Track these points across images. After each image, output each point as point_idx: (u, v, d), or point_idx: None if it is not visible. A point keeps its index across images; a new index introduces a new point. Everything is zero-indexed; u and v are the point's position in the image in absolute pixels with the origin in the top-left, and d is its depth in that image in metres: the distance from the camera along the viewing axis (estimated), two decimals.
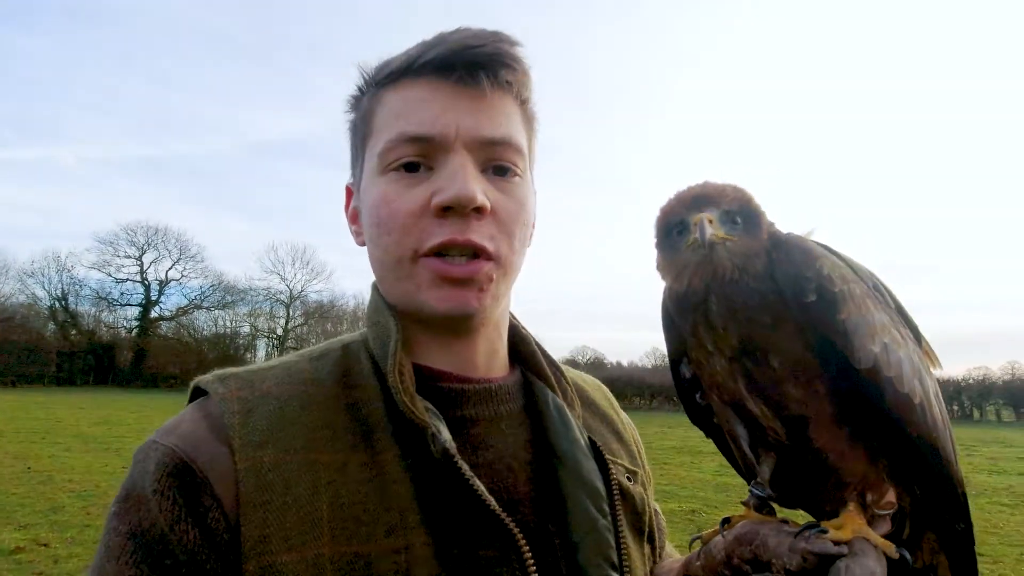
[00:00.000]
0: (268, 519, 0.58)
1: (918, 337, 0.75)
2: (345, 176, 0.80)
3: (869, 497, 0.67)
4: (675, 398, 0.79)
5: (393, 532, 0.60)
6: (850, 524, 0.64)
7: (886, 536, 0.65)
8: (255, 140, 73.33)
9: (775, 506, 0.73)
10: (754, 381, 0.68)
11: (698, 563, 0.72)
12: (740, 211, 0.70)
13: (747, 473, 0.77)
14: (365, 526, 0.60)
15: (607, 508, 0.71)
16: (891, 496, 0.68)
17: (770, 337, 0.66)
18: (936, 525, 0.72)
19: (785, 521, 0.67)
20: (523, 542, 0.63)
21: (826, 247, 0.71)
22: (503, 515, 0.62)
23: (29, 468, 8.60)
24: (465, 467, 0.63)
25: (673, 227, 0.71)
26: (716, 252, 0.67)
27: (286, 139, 73.70)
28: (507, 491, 0.68)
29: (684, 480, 9.17)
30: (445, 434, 0.64)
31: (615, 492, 0.73)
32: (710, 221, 0.68)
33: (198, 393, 0.68)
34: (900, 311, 0.74)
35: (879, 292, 0.72)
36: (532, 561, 0.63)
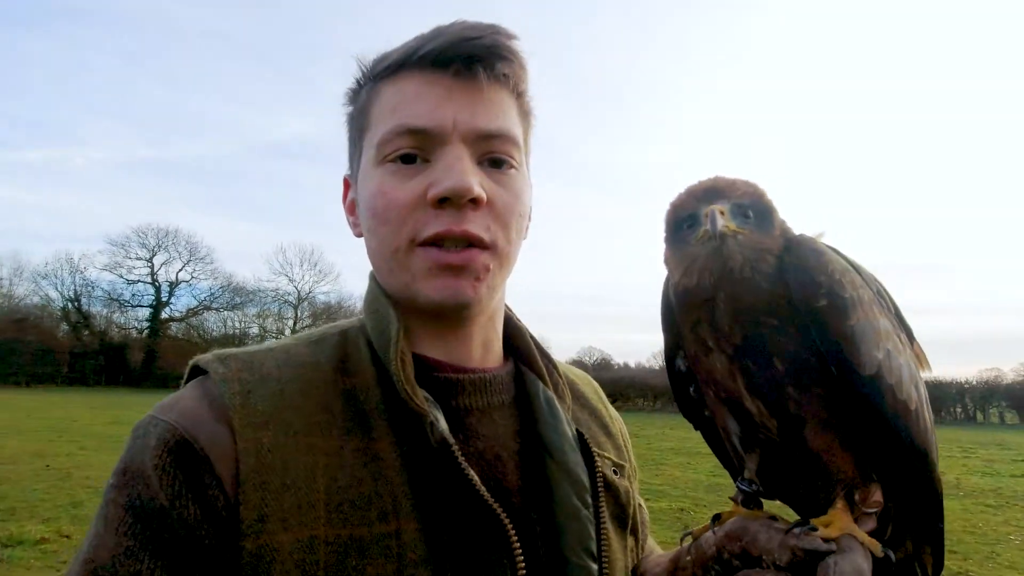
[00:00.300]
0: (266, 500, 0.59)
1: (911, 339, 0.76)
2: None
3: (857, 496, 0.68)
4: None
5: (386, 517, 0.61)
6: (838, 522, 0.65)
7: (871, 534, 0.66)
8: (262, 141, 74.01)
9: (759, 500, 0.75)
10: (754, 380, 0.68)
11: (688, 558, 0.74)
12: (752, 205, 0.69)
13: (736, 468, 0.78)
14: (359, 510, 0.61)
15: (590, 499, 0.72)
16: (878, 496, 0.69)
17: (775, 338, 0.66)
18: (918, 525, 0.75)
19: (774, 517, 0.68)
20: (512, 532, 0.64)
21: (836, 250, 0.71)
22: (495, 505, 0.64)
23: (48, 466, 8.91)
24: (460, 456, 0.64)
25: (683, 220, 0.71)
26: (727, 245, 0.67)
27: (293, 140, 74.34)
28: (496, 479, 0.69)
29: (678, 480, 9.33)
30: (443, 423, 0.65)
31: (599, 484, 0.75)
32: (721, 213, 0.67)
33: (196, 372, 0.68)
34: (898, 315, 0.75)
35: (881, 297, 0.73)
36: (520, 550, 0.65)
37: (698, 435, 0.85)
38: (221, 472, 0.59)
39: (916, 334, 0.78)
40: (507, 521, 0.64)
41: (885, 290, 0.75)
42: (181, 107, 72.21)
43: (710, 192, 0.70)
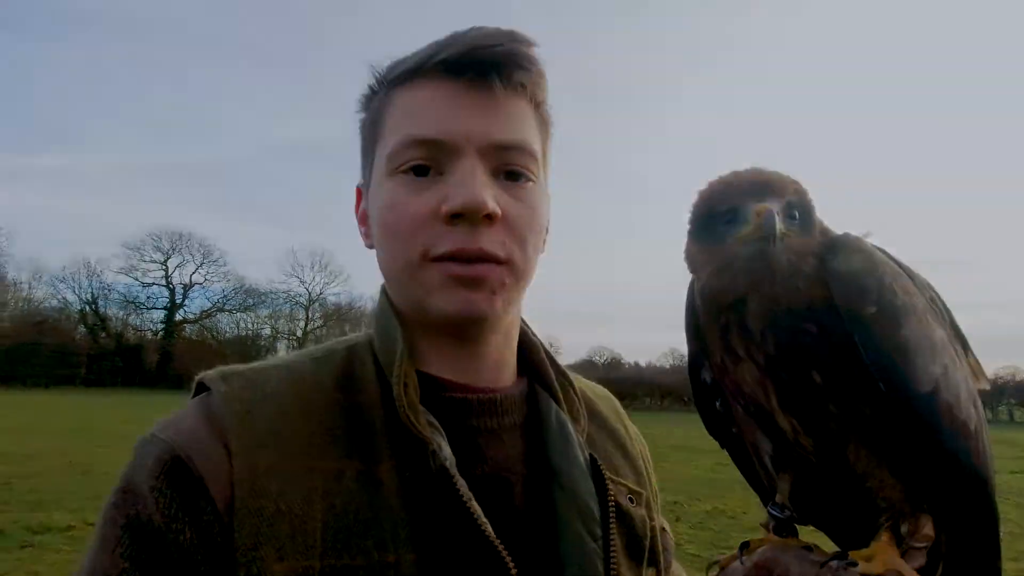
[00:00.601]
0: (261, 527, 0.57)
1: (967, 350, 0.70)
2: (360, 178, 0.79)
3: (904, 528, 0.62)
4: (687, 398, 0.94)
5: (384, 546, 0.59)
6: (882, 556, 0.60)
7: (920, 572, 0.60)
8: (274, 145, 74.95)
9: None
10: (789, 394, 0.63)
11: None
12: (799, 204, 0.64)
13: (766, 490, 0.73)
14: (357, 539, 0.59)
15: (599, 531, 0.68)
16: (928, 528, 0.63)
17: (815, 348, 0.61)
18: (973, 563, 0.67)
19: (808, 547, 0.63)
20: (513, 569, 0.61)
21: (884, 251, 0.66)
22: (496, 541, 0.61)
23: (71, 462, 9.27)
24: (463, 487, 0.62)
25: (720, 215, 0.64)
26: (775, 247, 0.60)
27: (301, 143, 75.21)
28: (501, 506, 0.66)
29: (676, 475, 9.39)
30: (446, 451, 0.63)
31: (611, 515, 0.70)
32: (779, 213, 0.61)
33: (201, 388, 0.67)
34: (953, 324, 0.69)
35: (935, 304, 0.67)
36: None
37: (702, 433, 0.79)
38: (216, 495, 0.58)
39: None
40: (508, 558, 0.61)
41: (939, 296, 0.69)
42: (193, 111, 73.46)
43: (760, 187, 0.64)
